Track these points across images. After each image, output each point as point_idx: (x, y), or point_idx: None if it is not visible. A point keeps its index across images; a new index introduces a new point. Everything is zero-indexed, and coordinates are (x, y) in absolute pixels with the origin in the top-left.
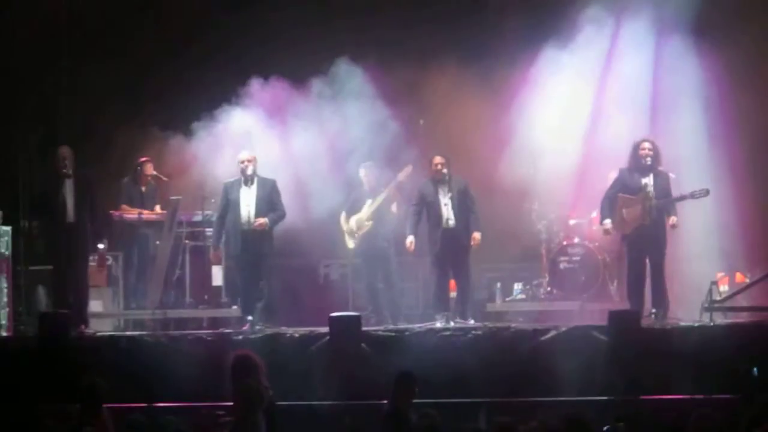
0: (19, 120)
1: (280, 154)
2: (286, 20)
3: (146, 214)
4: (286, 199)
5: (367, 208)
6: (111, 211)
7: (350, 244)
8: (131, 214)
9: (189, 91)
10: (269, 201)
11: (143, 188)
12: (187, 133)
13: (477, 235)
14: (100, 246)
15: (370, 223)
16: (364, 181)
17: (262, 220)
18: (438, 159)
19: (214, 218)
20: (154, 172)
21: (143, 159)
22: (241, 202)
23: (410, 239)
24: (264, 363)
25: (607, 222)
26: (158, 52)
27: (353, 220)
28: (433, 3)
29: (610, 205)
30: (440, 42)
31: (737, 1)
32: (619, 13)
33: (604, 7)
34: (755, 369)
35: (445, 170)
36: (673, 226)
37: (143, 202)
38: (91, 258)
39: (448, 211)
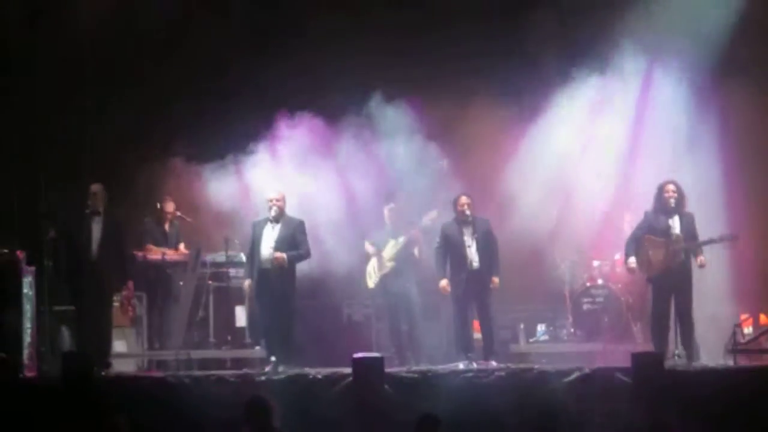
0: (42, 157)
1: (307, 193)
2: (317, 55)
3: (170, 255)
4: (312, 240)
5: (390, 249)
6: (135, 251)
7: (370, 283)
8: (155, 254)
9: (216, 126)
10: (291, 240)
11: (166, 227)
12: (214, 170)
13: (496, 279)
14: (126, 287)
15: (392, 264)
16: (387, 222)
17: (279, 255)
18: (464, 199)
19: (237, 259)
20: (178, 213)
21: (164, 197)
22: (263, 241)
23: (444, 282)
24: (277, 406)
25: (632, 260)
26: (182, 88)
27: (374, 260)
28: (466, 39)
29: (636, 244)
30: (472, 80)
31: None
32: (653, 54)
33: (639, 48)
34: None
35: (469, 211)
36: (702, 266)
37: (167, 242)
38: (115, 298)
39: (472, 254)
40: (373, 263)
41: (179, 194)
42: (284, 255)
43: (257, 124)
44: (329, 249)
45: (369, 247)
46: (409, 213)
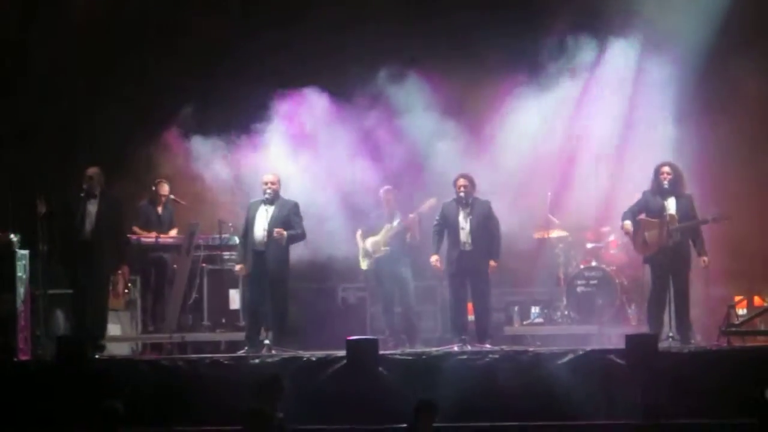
0: (37, 142)
1: (306, 173)
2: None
3: (163, 238)
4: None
5: (385, 233)
6: (129, 235)
7: (363, 264)
8: (148, 237)
9: (219, 104)
10: (286, 222)
11: (159, 210)
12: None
13: (493, 263)
14: (121, 270)
15: (387, 249)
16: (384, 204)
17: (280, 229)
18: (462, 180)
19: (231, 242)
20: (172, 196)
21: (158, 180)
22: (256, 223)
23: (435, 258)
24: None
25: (627, 223)
26: (185, 68)
27: (369, 241)
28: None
29: (632, 217)
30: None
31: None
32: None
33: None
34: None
35: (466, 192)
36: (706, 267)
37: (160, 225)
38: (111, 280)
39: (465, 235)
40: (364, 245)
41: (176, 174)
42: (284, 231)
43: (261, 102)
44: (327, 231)
45: (359, 237)
46: (406, 195)
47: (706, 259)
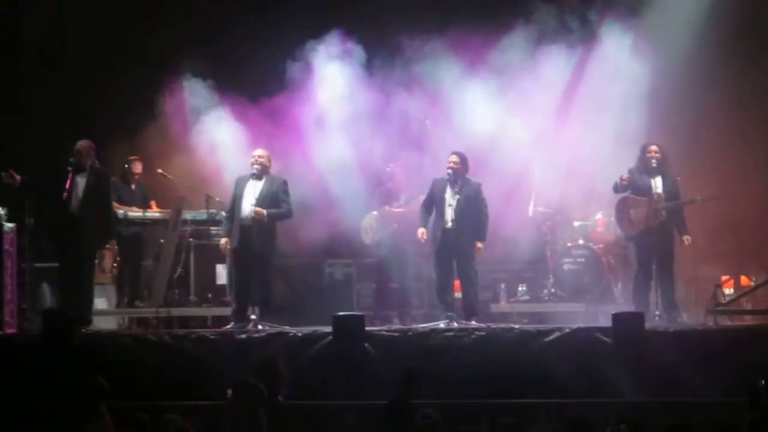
0: (25, 115)
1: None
2: None
3: (151, 212)
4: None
5: (395, 209)
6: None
7: (367, 240)
8: (136, 211)
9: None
10: (273, 198)
11: (132, 186)
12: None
13: (479, 244)
14: (108, 244)
15: (396, 225)
16: (391, 181)
17: (259, 210)
18: (453, 158)
19: (218, 216)
20: (159, 170)
21: (132, 157)
22: (244, 197)
23: (421, 230)
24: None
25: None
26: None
27: (375, 217)
28: None
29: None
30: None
31: None
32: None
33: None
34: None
35: (455, 171)
36: (687, 243)
37: (133, 201)
38: (98, 254)
39: (451, 213)
40: (370, 220)
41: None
42: (264, 211)
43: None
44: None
45: (367, 218)
46: (415, 170)
47: (688, 237)
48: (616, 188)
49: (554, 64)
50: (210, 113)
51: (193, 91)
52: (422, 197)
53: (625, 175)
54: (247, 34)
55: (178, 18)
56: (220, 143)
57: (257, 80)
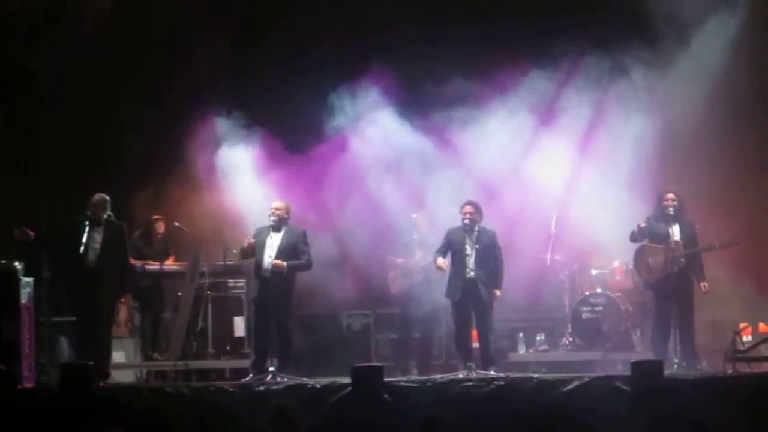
0: (43, 166)
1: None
2: None
3: (168, 264)
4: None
5: (420, 260)
6: (133, 261)
7: (394, 289)
8: (153, 265)
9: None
10: (293, 249)
11: (154, 245)
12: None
13: (497, 292)
14: (124, 297)
15: (422, 274)
16: (417, 228)
17: (278, 262)
18: (467, 207)
19: (236, 268)
20: (176, 223)
21: (155, 217)
22: (265, 249)
23: (441, 259)
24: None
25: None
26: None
27: (400, 265)
28: None
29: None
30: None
31: None
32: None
33: None
34: None
35: (472, 220)
36: (705, 291)
37: (153, 258)
38: (117, 308)
39: (471, 263)
40: (396, 269)
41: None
42: (283, 263)
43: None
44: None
45: (390, 261)
46: (439, 220)
47: (705, 284)
48: (633, 237)
49: (572, 111)
50: (235, 155)
51: (221, 131)
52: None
53: (642, 224)
54: (277, 79)
55: (203, 63)
56: (242, 186)
57: (286, 124)
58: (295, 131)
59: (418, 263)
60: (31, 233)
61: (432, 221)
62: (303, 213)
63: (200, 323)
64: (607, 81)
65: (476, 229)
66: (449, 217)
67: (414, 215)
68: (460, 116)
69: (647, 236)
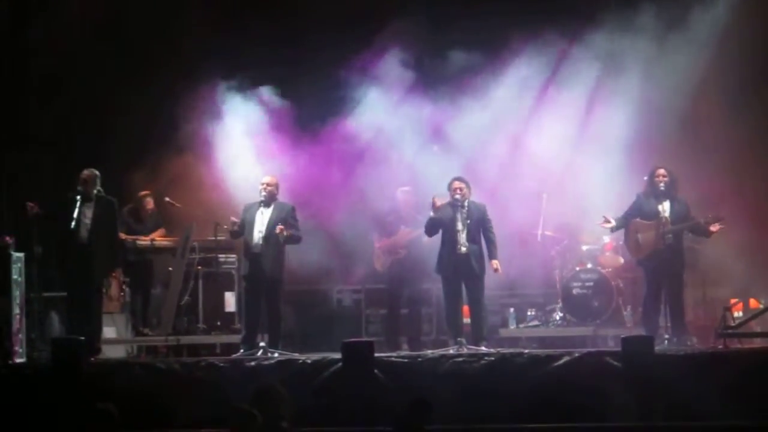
0: (33, 144)
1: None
2: None
3: (159, 240)
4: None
5: (404, 235)
6: (123, 237)
7: (379, 266)
8: (144, 240)
9: None
10: (282, 224)
11: (144, 221)
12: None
13: (495, 263)
14: (114, 273)
15: (405, 251)
16: (401, 206)
17: (281, 226)
18: (456, 183)
19: (227, 244)
20: (167, 198)
21: (144, 193)
22: (255, 226)
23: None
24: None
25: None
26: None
27: (385, 243)
28: None
29: (627, 221)
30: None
31: None
32: None
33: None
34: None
35: (461, 195)
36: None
37: (143, 233)
38: (105, 283)
39: (462, 238)
40: (382, 246)
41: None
42: (285, 230)
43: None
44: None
45: (375, 239)
46: (423, 197)
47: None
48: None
49: (565, 88)
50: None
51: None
52: (407, 230)
53: (606, 223)
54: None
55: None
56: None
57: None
58: (299, 106)
59: (400, 240)
60: (38, 210)
61: (417, 198)
62: (294, 187)
63: (186, 298)
64: (602, 58)
65: (466, 204)
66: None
67: (399, 192)
68: (450, 92)
69: (637, 214)
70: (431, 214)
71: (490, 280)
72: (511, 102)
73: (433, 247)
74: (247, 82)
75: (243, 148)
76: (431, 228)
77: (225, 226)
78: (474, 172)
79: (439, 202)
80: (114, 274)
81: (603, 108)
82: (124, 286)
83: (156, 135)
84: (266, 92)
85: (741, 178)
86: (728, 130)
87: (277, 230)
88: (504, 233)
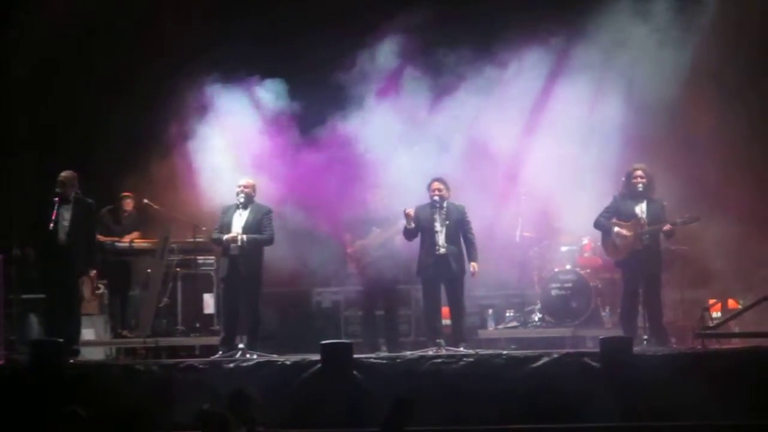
0: (11, 145)
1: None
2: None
3: (137, 242)
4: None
5: (375, 237)
6: (101, 238)
7: (353, 268)
8: (122, 242)
9: None
10: (258, 226)
11: (122, 222)
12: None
13: (475, 264)
14: (92, 273)
15: (378, 252)
16: (371, 207)
17: (233, 236)
18: (436, 184)
19: (206, 246)
20: (145, 200)
21: (124, 194)
22: (232, 228)
23: (409, 209)
24: (258, 396)
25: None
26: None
27: (358, 245)
28: None
29: (605, 222)
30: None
31: None
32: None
33: None
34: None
35: (441, 196)
36: (669, 234)
37: (122, 232)
38: (81, 283)
39: (440, 239)
40: (355, 248)
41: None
42: (238, 235)
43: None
44: (306, 234)
45: (348, 240)
46: (396, 197)
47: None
48: (598, 224)
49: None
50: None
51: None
52: (401, 222)
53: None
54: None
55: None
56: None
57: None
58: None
59: (373, 241)
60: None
61: (388, 198)
62: (274, 187)
63: (164, 300)
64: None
65: (445, 205)
66: (414, 194)
67: (370, 194)
68: (429, 89)
69: (613, 215)
70: (407, 225)
71: (468, 281)
72: (489, 101)
73: (406, 247)
74: (235, 80)
75: (228, 149)
76: (409, 235)
77: (204, 228)
78: (452, 172)
79: (412, 213)
80: (89, 275)
81: (587, 104)
82: (98, 287)
83: (140, 136)
84: (256, 91)
85: (730, 175)
86: (719, 126)
87: (230, 238)
88: (482, 234)
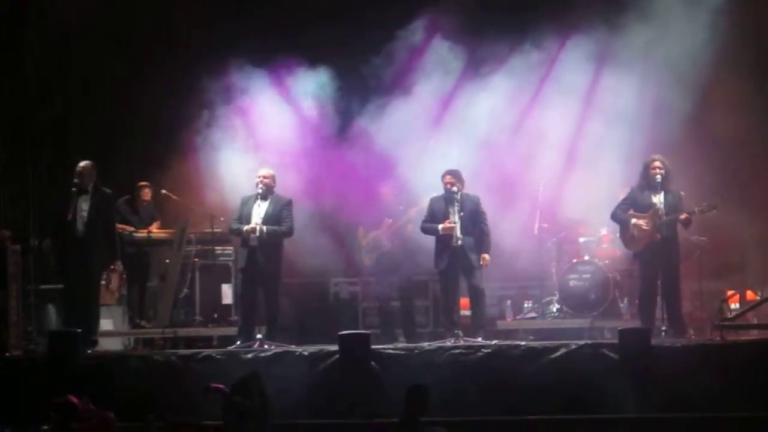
0: (30, 138)
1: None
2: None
3: (156, 233)
4: (300, 215)
5: (388, 227)
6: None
7: (367, 260)
8: (140, 232)
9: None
10: (278, 217)
11: (139, 212)
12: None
13: (486, 256)
14: (114, 265)
15: (391, 243)
16: (383, 198)
17: (251, 227)
18: (448, 177)
19: (223, 236)
20: (164, 191)
21: (142, 184)
22: (252, 219)
23: (444, 224)
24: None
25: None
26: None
27: (371, 236)
28: None
29: (622, 214)
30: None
31: None
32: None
33: None
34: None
35: (455, 188)
36: (685, 223)
37: (140, 222)
38: (103, 276)
39: (457, 230)
40: (368, 240)
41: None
42: (256, 227)
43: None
44: (319, 224)
45: (362, 239)
46: (407, 191)
47: (685, 214)
48: (615, 216)
49: (563, 79)
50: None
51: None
52: (412, 211)
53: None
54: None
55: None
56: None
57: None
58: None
59: (385, 232)
60: None
61: (398, 190)
62: (292, 179)
63: (184, 290)
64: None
65: (459, 196)
66: (429, 185)
67: (383, 187)
68: (446, 82)
69: (631, 206)
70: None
71: (486, 272)
72: (508, 93)
73: (418, 235)
74: (262, 68)
75: (250, 139)
76: (428, 231)
77: (222, 218)
78: (470, 163)
79: (388, 191)
80: (113, 267)
81: (604, 97)
82: (123, 278)
83: (159, 129)
84: (283, 81)
85: (749, 166)
86: (738, 120)
87: (248, 230)
88: (500, 225)
